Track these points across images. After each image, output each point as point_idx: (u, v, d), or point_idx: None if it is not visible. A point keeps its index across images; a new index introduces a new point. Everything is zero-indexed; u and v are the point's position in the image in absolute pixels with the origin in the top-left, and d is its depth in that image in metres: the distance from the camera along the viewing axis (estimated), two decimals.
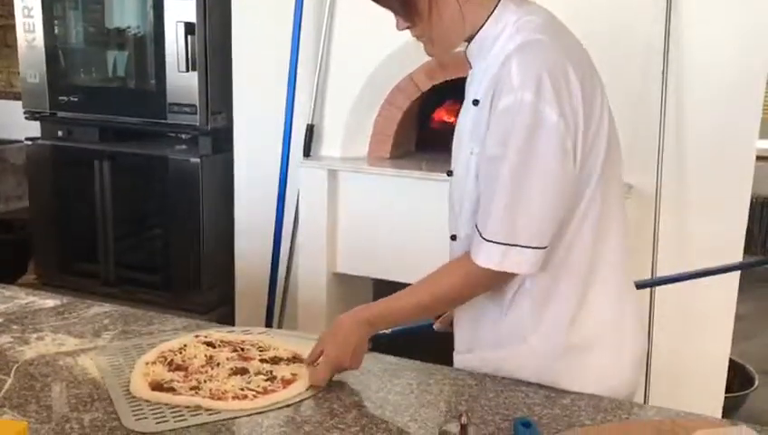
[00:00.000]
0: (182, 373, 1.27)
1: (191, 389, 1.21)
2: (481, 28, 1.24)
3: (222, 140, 3.09)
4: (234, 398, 1.19)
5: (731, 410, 2.90)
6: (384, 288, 3.25)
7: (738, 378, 3.07)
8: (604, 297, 1.27)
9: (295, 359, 1.33)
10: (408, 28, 1.26)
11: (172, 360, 1.31)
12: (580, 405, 1.20)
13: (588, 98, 1.17)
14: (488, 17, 1.23)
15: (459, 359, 1.36)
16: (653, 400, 2.46)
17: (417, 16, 1.22)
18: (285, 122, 2.88)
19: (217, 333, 1.45)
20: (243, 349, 1.37)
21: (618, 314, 1.30)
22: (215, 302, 3.16)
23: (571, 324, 1.25)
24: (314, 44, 2.83)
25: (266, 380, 1.25)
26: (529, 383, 1.26)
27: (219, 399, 1.18)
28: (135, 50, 3.20)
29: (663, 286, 2.41)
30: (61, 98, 3.26)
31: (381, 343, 1.33)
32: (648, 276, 2.40)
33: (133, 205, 3.32)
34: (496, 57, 1.19)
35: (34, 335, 1.44)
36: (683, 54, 2.35)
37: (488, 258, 1.18)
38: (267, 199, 2.96)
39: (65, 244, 3.40)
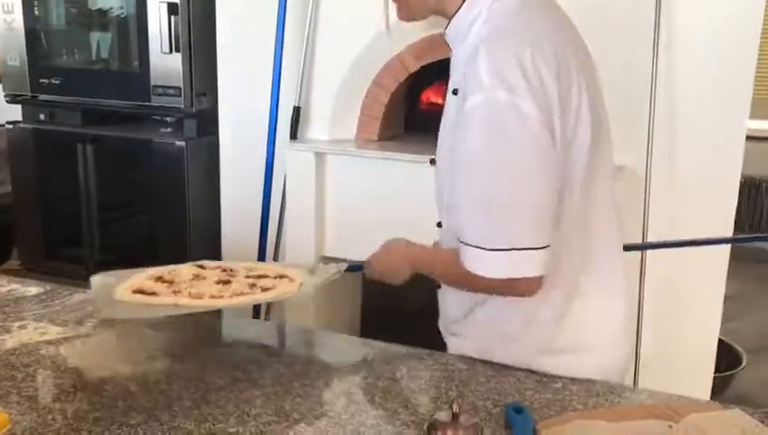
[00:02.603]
0: (167, 285, 1.30)
1: (173, 293, 1.26)
2: (457, 12, 1.21)
3: (207, 123, 3.04)
4: (211, 297, 1.23)
5: (719, 389, 2.91)
6: (375, 286, 3.23)
7: (726, 357, 3.08)
8: (592, 300, 1.25)
9: (281, 277, 1.34)
10: None
11: (161, 276, 1.34)
12: (572, 390, 1.19)
13: (564, 88, 1.13)
14: (464, 0, 1.20)
15: (454, 341, 1.35)
16: (642, 380, 2.46)
17: None
18: (271, 104, 2.84)
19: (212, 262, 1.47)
20: (232, 269, 1.39)
21: (603, 319, 1.28)
22: None
23: (557, 326, 1.24)
24: (300, 24, 2.78)
25: (248, 287, 1.28)
26: (519, 368, 1.25)
27: (197, 298, 1.23)
28: (118, 31, 3.14)
29: (652, 267, 2.41)
30: (42, 81, 3.20)
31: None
32: (638, 257, 2.40)
33: (118, 189, 3.27)
34: (472, 44, 1.16)
35: (16, 324, 1.41)
36: (674, 34, 2.33)
37: (481, 266, 1.14)
38: (254, 183, 2.93)
39: (49, 229, 3.35)
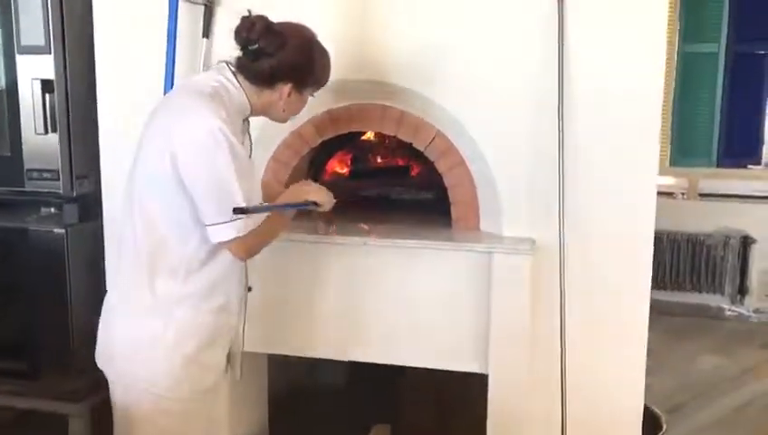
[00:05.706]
0: None
1: None
2: None
3: (89, 208, 2.78)
4: None
5: None
6: (282, 364, 3.02)
7: (645, 421, 3.02)
8: None
9: None
10: None
11: None
12: None
13: None
14: None
15: None
16: None
17: None
18: None
19: None
20: None
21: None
22: (88, 387, 2.80)
23: None
24: None
25: None
26: None
27: None
28: None
29: (570, 338, 2.32)
30: None
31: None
32: (557, 328, 2.31)
33: None
34: None
35: None
36: (576, 103, 2.30)
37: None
38: None
39: None
